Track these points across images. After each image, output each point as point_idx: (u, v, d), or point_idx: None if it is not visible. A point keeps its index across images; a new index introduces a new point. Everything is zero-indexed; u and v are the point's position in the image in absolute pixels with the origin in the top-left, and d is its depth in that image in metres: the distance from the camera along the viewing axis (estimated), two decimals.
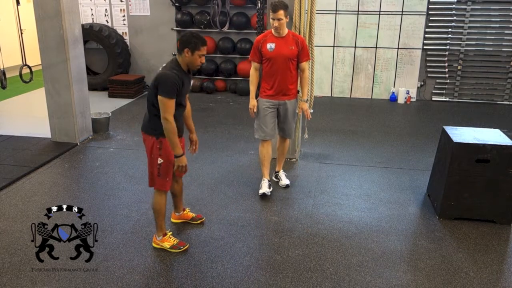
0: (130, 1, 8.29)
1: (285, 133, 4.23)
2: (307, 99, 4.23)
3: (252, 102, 4.05)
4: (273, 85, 4.01)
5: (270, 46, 3.92)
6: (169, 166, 3.09)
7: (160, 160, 3.05)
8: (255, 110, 4.06)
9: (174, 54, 8.33)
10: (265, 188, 4.11)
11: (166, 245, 3.23)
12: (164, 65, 3.02)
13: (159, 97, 2.90)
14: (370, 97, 8.10)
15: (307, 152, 5.24)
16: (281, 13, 3.78)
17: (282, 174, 4.38)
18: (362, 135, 5.95)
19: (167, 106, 2.90)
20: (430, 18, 7.56)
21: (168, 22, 8.28)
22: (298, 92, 4.59)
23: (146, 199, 4.02)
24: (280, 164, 4.41)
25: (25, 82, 5.45)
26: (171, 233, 3.32)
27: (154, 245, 3.28)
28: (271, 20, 3.85)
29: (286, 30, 3.94)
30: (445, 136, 3.80)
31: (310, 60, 4.53)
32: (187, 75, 3.07)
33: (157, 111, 2.96)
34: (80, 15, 6.93)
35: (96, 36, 8.00)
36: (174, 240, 3.26)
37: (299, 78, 4.11)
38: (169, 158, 3.06)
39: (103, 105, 7.13)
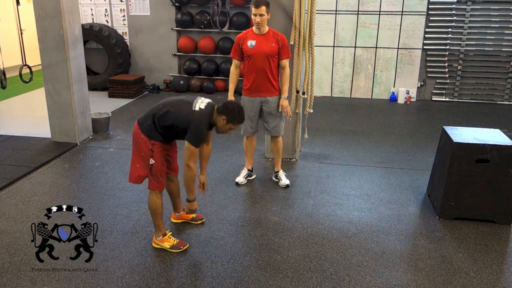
0: (130, 1, 8.29)
1: (269, 132, 4.29)
2: (288, 96, 4.24)
3: (230, 98, 4.10)
4: (252, 82, 4.08)
5: (251, 43, 3.98)
6: (162, 167, 3.11)
7: (152, 161, 3.06)
8: None
9: (174, 55, 8.38)
10: (240, 178, 4.34)
11: (166, 245, 3.23)
12: (200, 106, 2.99)
13: (186, 143, 2.95)
14: (370, 97, 8.10)
15: (307, 152, 5.24)
16: (263, 8, 3.83)
17: (282, 174, 4.38)
18: (362, 135, 5.95)
19: (193, 153, 2.96)
20: (430, 18, 7.56)
21: (168, 22, 8.28)
22: (298, 91, 4.60)
23: (146, 199, 4.01)
24: (278, 164, 4.41)
25: (25, 82, 5.45)
26: (170, 233, 3.32)
27: (154, 245, 3.28)
28: (253, 16, 3.91)
29: (267, 28, 4.01)
30: (445, 136, 3.80)
31: (311, 60, 4.53)
32: (210, 128, 3.14)
33: (159, 127, 3.00)
34: (80, 15, 6.93)
35: (96, 36, 8.01)
36: (174, 240, 3.26)
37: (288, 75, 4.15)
38: (161, 159, 3.09)
39: (103, 105, 7.13)
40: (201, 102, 3.02)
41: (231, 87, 4.14)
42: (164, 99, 3.17)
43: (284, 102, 4.14)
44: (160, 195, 3.20)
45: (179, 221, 3.63)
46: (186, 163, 2.98)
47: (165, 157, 3.15)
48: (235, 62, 4.13)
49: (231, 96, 4.11)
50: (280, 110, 4.19)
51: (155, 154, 3.04)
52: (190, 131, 2.95)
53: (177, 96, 3.22)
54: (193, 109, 2.97)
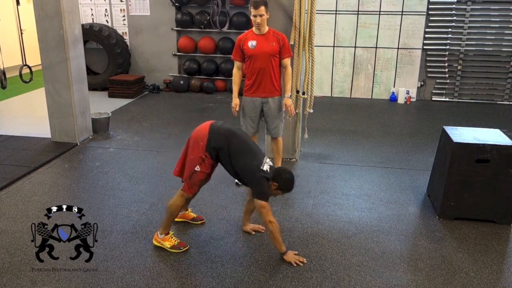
0: (130, 1, 8.29)
1: (270, 132, 4.30)
2: (290, 95, 4.25)
3: (235, 101, 4.13)
4: (254, 82, 4.07)
5: (252, 43, 3.97)
6: (202, 177, 3.13)
7: (197, 168, 3.07)
8: (237, 109, 4.15)
9: (174, 55, 8.38)
10: None
11: (167, 244, 3.23)
12: (267, 168, 3.01)
13: (261, 202, 2.99)
14: (370, 97, 8.10)
15: (307, 152, 5.24)
16: (262, 9, 3.83)
17: None
18: (362, 135, 5.95)
19: (268, 208, 3.01)
20: (430, 18, 7.56)
21: (168, 22, 8.28)
22: (298, 92, 4.61)
23: (146, 199, 4.02)
24: (278, 164, 4.41)
25: (25, 82, 5.45)
26: (172, 233, 3.32)
27: (154, 242, 3.28)
28: (252, 17, 3.90)
29: (267, 28, 4.01)
30: (445, 136, 3.80)
31: (311, 60, 4.54)
32: None
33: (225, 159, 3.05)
34: (80, 15, 6.93)
35: (96, 36, 8.01)
36: (175, 241, 3.25)
37: (282, 75, 4.16)
38: (205, 171, 3.10)
39: (103, 105, 7.13)
40: (266, 163, 3.05)
41: (235, 89, 4.14)
42: (239, 132, 3.15)
43: (288, 101, 4.14)
44: (185, 200, 3.21)
45: (180, 220, 3.63)
46: (267, 220, 3.00)
47: (210, 169, 3.15)
48: (237, 64, 4.12)
49: (235, 98, 4.12)
50: (284, 109, 4.19)
51: (204, 163, 3.06)
52: (257, 189, 3.01)
53: (248, 140, 3.16)
54: (262, 168, 2.99)
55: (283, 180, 3.04)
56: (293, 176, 3.11)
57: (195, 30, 8.23)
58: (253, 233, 3.49)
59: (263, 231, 3.49)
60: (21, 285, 2.87)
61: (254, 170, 2.99)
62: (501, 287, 2.92)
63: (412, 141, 5.70)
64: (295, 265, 3.08)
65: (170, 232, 3.30)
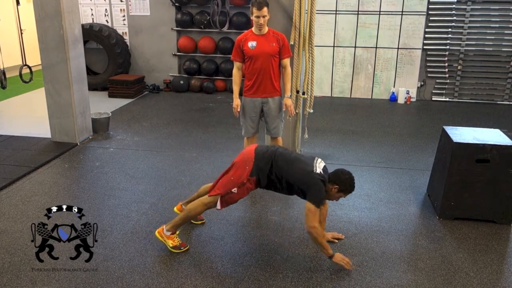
0: (130, 1, 8.29)
1: (270, 132, 4.30)
2: (290, 95, 4.25)
3: (236, 101, 4.12)
4: (254, 83, 4.06)
5: (252, 44, 3.96)
6: (236, 199, 3.14)
7: (234, 190, 3.07)
8: (238, 110, 4.13)
9: (174, 55, 8.38)
10: None
11: (170, 243, 3.21)
12: (320, 171, 2.96)
13: (309, 204, 2.92)
14: (370, 97, 8.10)
15: (307, 152, 5.23)
16: (265, 10, 3.83)
17: None
18: (362, 135, 5.95)
19: (316, 214, 2.93)
20: (430, 18, 7.56)
21: (168, 22, 8.28)
22: (298, 91, 4.61)
23: (146, 199, 4.02)
24: None
25: (25, 82, 5.45)
26: (178, 233, 3.31)
27: (156, 234, 3.25)
28: (255, 18, 3.87)
29: (267, 28, 4.00)
30: (445, 136, 3.80)
31: (311, 60, 4.54)
32: None
33: (272, 174, 3.03)
34: (80, 15, 6.94)
35: (96, 36, 8.01)
36: (178, 241, 3.25)
37: (281, 75, 4.15)
38: (242, 195, 3.11)
39: (103, 105, 7.13)
40: (318, 164, 3.01)
41: (235, 89, 4.13)
42: (282, 149, 3.13)
43: (288, 101, 4.14)
44: (205, 210, 3.21)
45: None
46: (311, 225, 2.90)
47: (246, 195, 3.15)
48: (236, 64, 4.11)
49: (236, 99, 4.11)
50: (284, 110, 4.19)
51: (243, 188, 3.06)
52: (311, 192, 2.93)
53: (291, 152, 3.16)
54: (315, 170, 2.95)
55: (343, 182, 2.97)
56: (352, 176, 3.01)
57: (195, 30, 8.24)
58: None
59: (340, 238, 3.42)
60: (21, 285, 2.87)
61: (308, 173, 2.94)
62: (501, 287, 2.92)
63: (412, 141, 5.70)
64: (347, 267, 2.98)
65: (177, 231, 3.29)
